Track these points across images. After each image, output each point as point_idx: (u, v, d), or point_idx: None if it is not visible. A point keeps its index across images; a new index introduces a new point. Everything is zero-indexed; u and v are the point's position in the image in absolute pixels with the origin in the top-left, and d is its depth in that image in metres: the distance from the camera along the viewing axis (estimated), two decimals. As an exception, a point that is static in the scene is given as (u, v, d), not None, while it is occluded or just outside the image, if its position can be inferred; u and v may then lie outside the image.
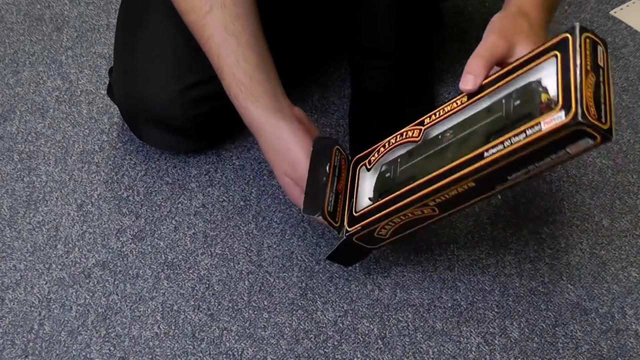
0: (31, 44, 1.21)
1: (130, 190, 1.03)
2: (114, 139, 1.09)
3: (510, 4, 0.79)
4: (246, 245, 0.98)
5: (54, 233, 0.99)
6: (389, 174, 0.83)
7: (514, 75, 0.72)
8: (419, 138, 0.80)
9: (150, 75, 0.97)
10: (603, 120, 0.66)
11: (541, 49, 0.71)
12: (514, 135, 0.68)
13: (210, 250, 0.97)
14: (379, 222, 0.81)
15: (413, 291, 0.93)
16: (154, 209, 1.01)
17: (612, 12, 1.26)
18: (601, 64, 0.69)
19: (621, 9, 1.26)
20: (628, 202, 1.02)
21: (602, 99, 0.67)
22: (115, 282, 0.94)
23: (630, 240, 0.98)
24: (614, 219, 1.00)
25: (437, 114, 0.79)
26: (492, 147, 0.70)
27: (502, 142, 0.69)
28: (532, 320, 0.91)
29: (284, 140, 0.85)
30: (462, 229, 0.99)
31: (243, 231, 0.99)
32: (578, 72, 0.66)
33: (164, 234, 0.99)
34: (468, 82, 0.74)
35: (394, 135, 0.84)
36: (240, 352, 0.89)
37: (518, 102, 0.71)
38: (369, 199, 0.83)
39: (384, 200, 0.80)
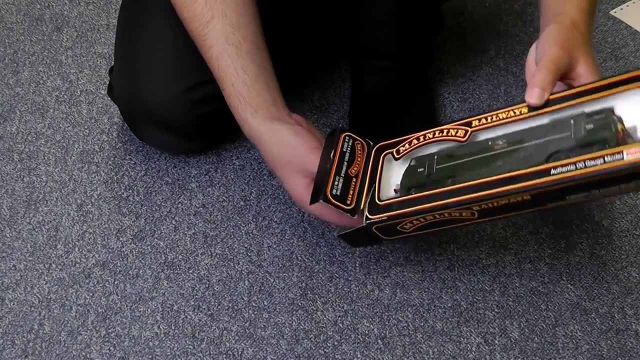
0: (31, 44, 1.21)
1: (130, 190, 1.03)
2: (114, 139, 1.09)
3: (563, 16, 0.78)
4: (246, 245, 0.98)
5: (54, 233, 0.99)
6: (422, 169, 0.81)
7: (587, 97, 0.72)
8: (465, 139, 0.78)
9: (152, 76, 0.97)
10: None
11: (624, 77, 0.71)
12: (590, 159, 0.67)
13: (210, 250, 0.97)
14: (409, 216, 0.78)
15: (413, 291, 0.93)
16: (154, 209, 1.01)
17: (612, 12, 1.26)
18: None
19: (621, 9, 1.26)
20: (628, 202, 1.02)
21: None
22: (115, 282, 0.94)
23: (630, 240, 0.98)
24: (614, 219, 1.00)
25: (489, 118, 0.77)
26: (562, 165, 0.69)
27: (574, 163, 0.68)
28: (532, 320, 0.91)
29: (286, 141, 0.85)
30: (462, 228, 0.99)
31: (243, 231, 0.99)
32: None
33: (164, 234, 0.99)
34: (535, 95, 0.73)
35: (431, 130, 0.81)
36: (240, 352, 0.89)
37: (591, 126, 0.70)
38: (395, 190, 0.82)
39: (417, 195, 0.78)
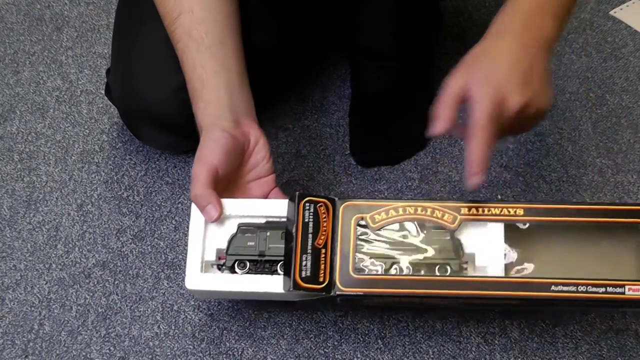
0: (31, 44, 1.21)
1: (130, 190, 1.03)
2: (114, 139, 1.09)
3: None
4: (246, 245, 0.98)
5: (54, 233, 0.99)
6: (252, 243, 0.78)
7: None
8: (454, 225, 0.76)
9: (146, 75, 0.97)
10: None
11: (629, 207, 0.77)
12: (593, 285, 0.72)
13: (210, 250, 0.97)
14: (394, 297, 0.75)
15: (413, 291, 0.93)
16: (154, 209, 1.01)
17: (612, 12, 1.26)
18: None
19: (621, 9, 1.26)
20: (628, 202, 1.02)
21: None
22: (115, 282, 0.94)
23: (630, 240, 0.98)
24: (614, 219, 1.00)
25: (480, 210, 0.76)
26: (563, 284, 0.73)
27: (576, 285, 0.72)
28: (532, 320, 0.91)
29: (201, 148, 0.79)
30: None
31: (243, 231, 0.99)
32: None
33: (164, 234, 0.99)
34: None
35: (412, 204, 0.77)
36: (240, 352, 0.89)
37: (436, 246, 0.76)
38: (219, 257, 0.79)
39: (408, 277, 0.75)
